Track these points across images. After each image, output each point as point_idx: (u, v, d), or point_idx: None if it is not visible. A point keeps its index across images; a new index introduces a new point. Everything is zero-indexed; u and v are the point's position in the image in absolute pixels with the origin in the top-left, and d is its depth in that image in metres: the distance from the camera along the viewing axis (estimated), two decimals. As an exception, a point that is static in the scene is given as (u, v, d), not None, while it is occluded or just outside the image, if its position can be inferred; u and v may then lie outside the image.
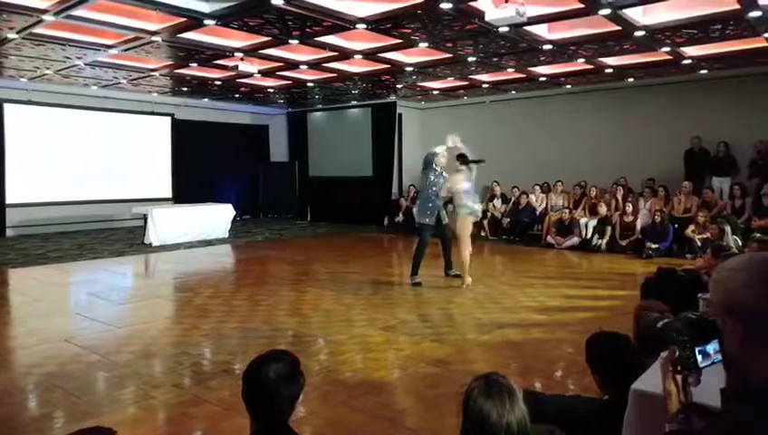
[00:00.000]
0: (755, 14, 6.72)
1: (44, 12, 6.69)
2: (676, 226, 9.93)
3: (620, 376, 2.16)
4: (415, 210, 8.38)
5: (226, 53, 8.94)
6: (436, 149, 7.71)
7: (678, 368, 1.40)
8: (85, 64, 9.79)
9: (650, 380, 1.93)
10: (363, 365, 4.49)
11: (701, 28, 7.47)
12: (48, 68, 10.17)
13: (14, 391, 3.98)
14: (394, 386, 4.10)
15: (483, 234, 12.52)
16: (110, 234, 12.72)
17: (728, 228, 6.59)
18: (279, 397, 1.84)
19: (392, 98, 14.30)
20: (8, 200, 12.21)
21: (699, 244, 9.02)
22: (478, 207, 7.66)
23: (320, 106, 15.97)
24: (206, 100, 14.58)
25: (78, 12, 6.75)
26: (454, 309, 6.30)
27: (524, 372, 4.31)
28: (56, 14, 6.73)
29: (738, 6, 6.55)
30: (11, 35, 7.71)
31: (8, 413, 3.60)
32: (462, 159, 7.44)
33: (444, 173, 7.58)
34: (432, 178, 7.57)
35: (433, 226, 7.62)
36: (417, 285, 7.45)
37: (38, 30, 7.52)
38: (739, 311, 1.17)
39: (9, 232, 12.20)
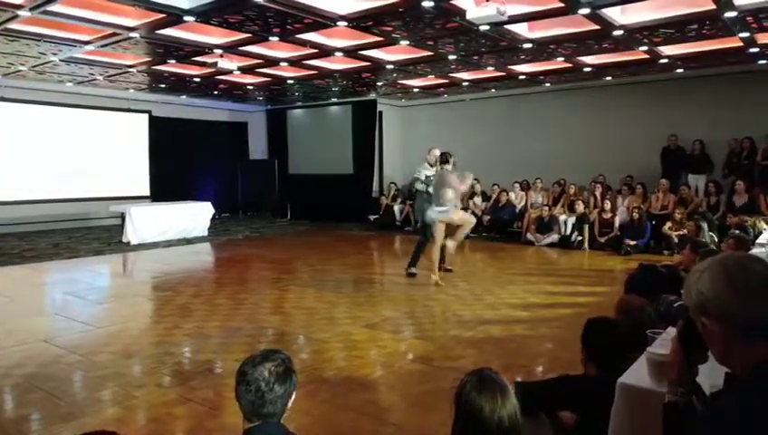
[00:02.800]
0: (731, 14, 6.86)
1: (20, 7, 6.55)
2: (653, 222, 10.10)
3: (609, 357, 2.27)
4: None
5: (206, 49, 8.85)
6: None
7: (686, 342, 1.43)
8: (60, 60, 9.60)
9: (637, 374, 1.97)
10: (347, 363, 4.49)
11: (678, 28, 7.61)
12: (22, 64, 9.96)
13: (-8, 393, 3.92)
14: (379, 383, 4.11)
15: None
16: (86, 232, 12.52)
17: (705, 225, 6.72)
18: (273, 396, 1.83)
19: (373, 95, 14.30)
20: (-19, 199, 11.94)
21: (676, 240, 9.18)
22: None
23: (300, 103, 15.90)
24: (184, 97, 14.42)
25: (54, 7, 6.62)
26: (436, 306, 6.34)
27: (507, 369, 4.34)
28: (32, 9, 6.58)
29: (714, 7, 6.68)
30: (-16, 31, 7.55)
31: (-13, 416, 3.54)
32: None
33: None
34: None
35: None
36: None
37: (13, 25, 7.34)
38: (713, 309, 1.21)
39: (-18, 231, 11.93)
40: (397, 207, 13.93)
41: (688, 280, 1.30)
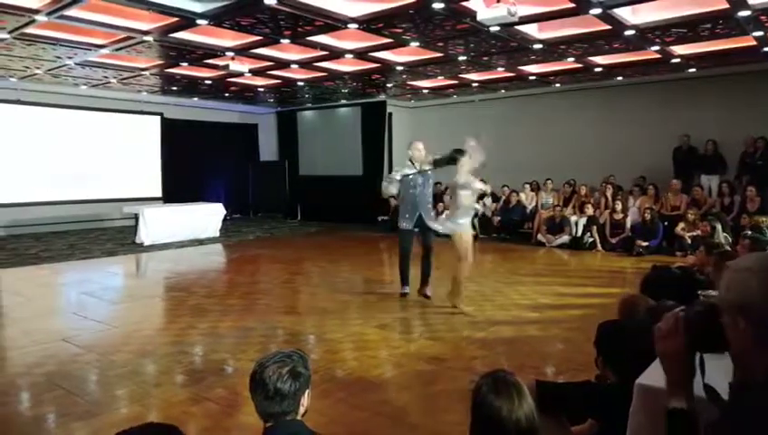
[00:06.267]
0: (744, 13, 6.82)
1: (37, 12, 6.66)
2: (665, 223, 10.06)
3: (626, 362, 2.23)
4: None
5: (217, 52, 8.93)
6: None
7: (700, 344, 1.36)
8: (76, 64, 9.74)
9: (654, 374, 1.96)
10: (360, 363, 4.53)
11: (690, 27, 7.56)
12: (38, 68, 10.11)
13: (14, 390, 3.99)
14: (392, 383, 4.14)
15: (473, 232, 12.60)
16: (100, 233, 12.67)
17: (718, 226, 6.69)
18: (281, 395, 1.87)
19: (382, 97, 14.34)
20: (-2, 200, 12.12)
21: (689, 241, 9.14)
22: (461, 221, 6.23)
23: (309, 105, 15.97)
24: (195, 99, 14.53)
25: (70, 12, 6.72)
26: (447, 307, 6.35)
27: (519, 369, 4.33)
28: (49, 14, 6.69)
29: (727, 6, 6.64)
30: (2, 35, 7.66)
31: (10, 413, 3.62)
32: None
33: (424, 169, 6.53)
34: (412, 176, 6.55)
35: (410, 231, 6.62)
36: (403, 295, 6.67)
37: (30, 30, 7.47)
38: (751, 312, 1.19)
39: (-1, 232, 12.13)
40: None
41: (732, 276, 1.26)
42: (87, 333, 5.33)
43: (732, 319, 1.24)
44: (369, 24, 7.33)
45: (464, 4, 6.51)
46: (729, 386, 1.26)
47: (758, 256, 1.29)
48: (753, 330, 1.20)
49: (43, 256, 9.66)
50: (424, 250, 6.67)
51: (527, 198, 12.46)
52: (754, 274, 1.22)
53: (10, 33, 7.55)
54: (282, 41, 8.23)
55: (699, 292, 2.69)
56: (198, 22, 7.11)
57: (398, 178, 6.59)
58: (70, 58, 9.29)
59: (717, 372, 1.38)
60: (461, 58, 9.44)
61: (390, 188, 6.67)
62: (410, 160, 6.68)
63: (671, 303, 2.55)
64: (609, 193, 11.23)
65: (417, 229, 6.63)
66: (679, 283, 3.11)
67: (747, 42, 8.38)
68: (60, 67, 10.02)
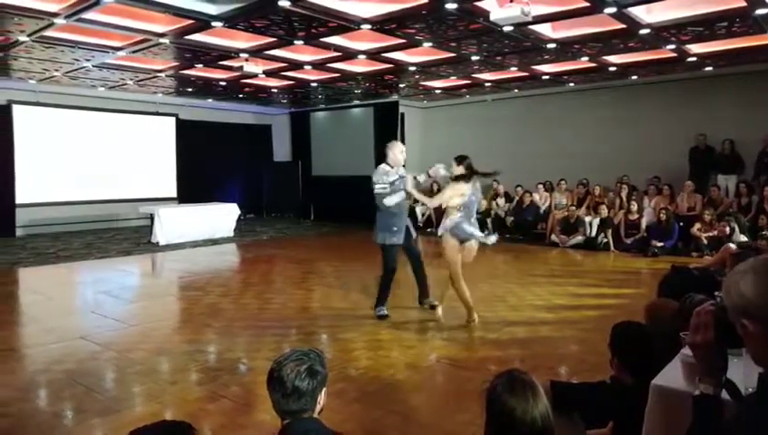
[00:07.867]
0: (762, 11, 6.75)
1: (56, 15, 6.76)
2: (680, 224, 9.97)
3: (641, 363, 2.24)
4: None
5: (232, 53, 9.00)
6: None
7: (722, 341, 1.37)
8: (93, 66, 9.86)
9: (671, 375, 1.97)
10: (374, 362, 4.55)
11: (707, 26, 7.48)
12: (57, 70, 10.25)
13: (35, 387, 4.07)
14: (405, 383, 4.15)
15: (486, 232, 12.56)
16: (116, 233, 12.83)
17: (736, 226, 6.61)
18: (298, 393, 1.90)
19: (395, 97, 14.34)
20: (18, 200, 12.33)
21: (706, 242, 9.05)
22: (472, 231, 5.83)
23: (322, 106, 16.03)
24: (210, 100, 14.65)
25: (89, 15, 6.82)
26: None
27: (533, 370, 4.33)
28: (67, 17, 6.80)
29: (745, 4, 6.58)
30: (22, 38, 7.79)
31: (31, 409, 3.68)
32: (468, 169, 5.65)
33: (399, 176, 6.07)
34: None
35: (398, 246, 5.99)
36: (381, 317, 5.86)
37: (49, 33, 7.59)
38: (754, 311, 1.19)
39: (19, 232, 12.32)
40: (418, 209, 13.95)
41: (728, 282, 1.28)
42: (105, 331, 5.41)
43: (738, 322, 1.24)
44: (382, 24, 7.35)
45: (477, 4, 6.50)
46: (759, 377, 1.26)
47: (753, 260, 1.29)
48: (761, 330, 1.19)
49: (62, 256, 9.81)
50: (416, 262, 6.12)
51: (541, 199, 12.41)
52: (747, 274, 1.23)
53: (29, 36, 7.68)
54: (295, 42, 8.27)
55: (716, 293, 2.68)
56: (213, 24, 7.17)
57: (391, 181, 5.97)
58: (88, 60, 9.42)
59: (736, 368, 1.39)
60: (474, 58, 9.43)
61: (395, 198, 5.94)
62: (388, 163, 5.99)
63: (701, 297, 2.55)
64: (623, 193, 11.15)
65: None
66: (699, 284, 3.08)
67: (765, 40, 8.27)
68: (78, 69, 10.16)
